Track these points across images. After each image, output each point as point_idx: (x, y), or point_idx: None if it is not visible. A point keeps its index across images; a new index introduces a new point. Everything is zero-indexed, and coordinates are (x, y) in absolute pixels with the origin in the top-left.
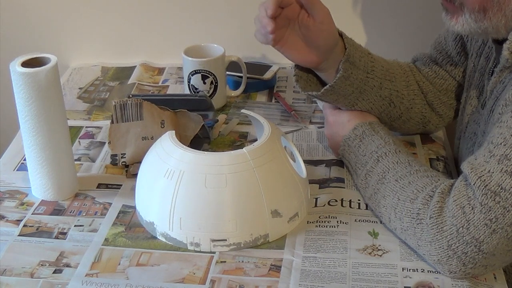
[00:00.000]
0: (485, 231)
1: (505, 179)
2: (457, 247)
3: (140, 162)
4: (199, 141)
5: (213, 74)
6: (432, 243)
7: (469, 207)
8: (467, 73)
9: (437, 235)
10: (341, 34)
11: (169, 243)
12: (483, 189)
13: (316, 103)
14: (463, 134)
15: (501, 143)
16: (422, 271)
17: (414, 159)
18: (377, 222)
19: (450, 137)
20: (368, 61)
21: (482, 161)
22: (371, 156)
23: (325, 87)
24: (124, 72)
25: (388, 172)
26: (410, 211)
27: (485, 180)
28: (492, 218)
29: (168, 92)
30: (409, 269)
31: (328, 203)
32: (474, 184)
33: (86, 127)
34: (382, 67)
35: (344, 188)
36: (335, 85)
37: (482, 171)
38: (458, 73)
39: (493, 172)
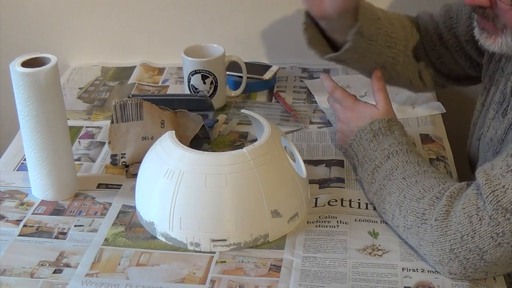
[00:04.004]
0: (490, 243)
1: None
2: (460, 252)
3: (140, 162)
4: (199, 141)
5: (213, 74)
6: (435, 244)
7: (477, 218)
8: (494, 77)
9: (440, 237)
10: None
11: (169, 243)
12: (495, 204)
13: (316, 103)
14: (483, 137)
15: None
16: (422, 271)
17: (424, 160)
18: (377, 222)
19: (450, 137)
20: (375, 28)
21: (498, 173)
22: (381, 152)
23: (330, 55)
24: (124, 72)
25: (396, 170)
26: (416, 210)
27: (498, 195)
28: (499, 233)
29: (168, 92)
30: (409, 269)
31: (328, 203)
32: (486, 197)
33: (86, 127)
34: (386, 32)
35: (344, 188)
36: (340, 55)
37: (496, 185)
38: (461, 55)
39: (507, 189)
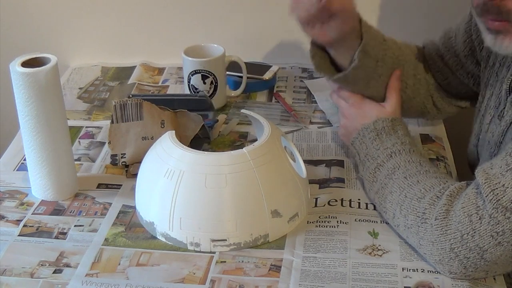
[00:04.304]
0: (490, 242)
1: None
2: (460, 251)
3: (140, 162)
4: (199, 141)
5: (213, 74)
6: (435, 243)
7: (477, 217)
8: (489, 82)
9: (440, 236)
10: (360, 20)
11: (169, 243)
12: (495, 203)
13: (316, 103)
14: (481, 142)
15: None
16: (422, 271)
17: (426, 160)
18: (377, 222)
19: (450, 137)
20: (381, 49)
21: (497, 172)
22: (384, 151)
23: (338, 75)
24: (124, 72)
25: (398, 169)
26: (416, 209)
27: (498, 194)
28: (499, 232)
29: (168, 92)
30: (409, 269)
31: (328, 203)
32: (486, 196)
33: (86, 127)
34: (393, 55)
35: (344, 188)
36: (348, 73)
37: (496, 184)
38: (463, 74)
39: (507, 187)
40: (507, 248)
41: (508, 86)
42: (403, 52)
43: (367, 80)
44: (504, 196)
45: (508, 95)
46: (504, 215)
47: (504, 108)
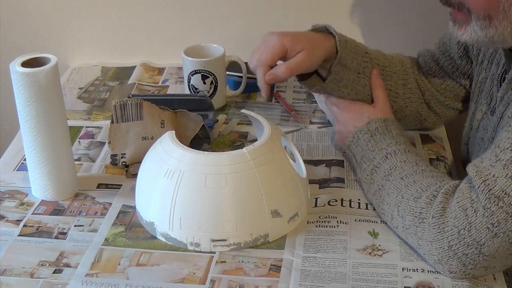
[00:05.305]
0: (486, 235)
1: (510, 185)
2: (458, 248)
3: (140, 162)
4: (199, 141)
5: (213, 74)
6: (433, 242)
7: (472, 210)
8: (478, 80)
9: (438, 235)
10: (333, 34)
11: (169, 243)
12: (487, 193)
13: (316, 103)
14: (472, 139)
15: (508, 148)
16: (422, 271)
17: (421, 159)
18: (377, 222)
19: (450, 137)
20: (362, 61)
21: (487, 164)
22: (379, 152)
23: (316, 87)
24: (124, 72)
25: (394, 170)
26: (413, 209)
27: (489, 184)
28: (494, 223)
29: (168, 92)
30: (409, 269)
31: (328, 203)
32: (478, 188)
33: (86, 127)
34: (377, 66)
35: (344, 188)
36: (326, 86)
37: (487, 175)
38: (458, 75)
39: (498, 177)
40: (504, 240)
41: (498, 81)
42: (392, 64)
43: (355, 94)
44: (495, 186)
45: (498, 90)
46: (497, 204)
47: (496, 103)
